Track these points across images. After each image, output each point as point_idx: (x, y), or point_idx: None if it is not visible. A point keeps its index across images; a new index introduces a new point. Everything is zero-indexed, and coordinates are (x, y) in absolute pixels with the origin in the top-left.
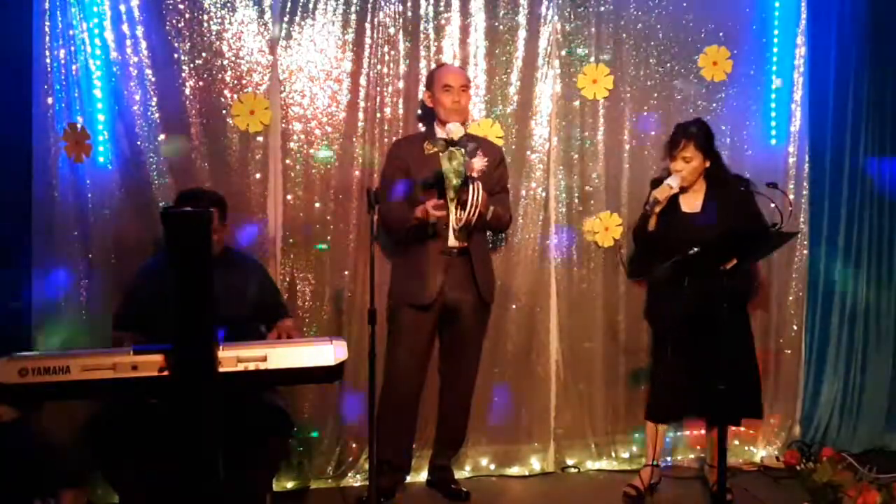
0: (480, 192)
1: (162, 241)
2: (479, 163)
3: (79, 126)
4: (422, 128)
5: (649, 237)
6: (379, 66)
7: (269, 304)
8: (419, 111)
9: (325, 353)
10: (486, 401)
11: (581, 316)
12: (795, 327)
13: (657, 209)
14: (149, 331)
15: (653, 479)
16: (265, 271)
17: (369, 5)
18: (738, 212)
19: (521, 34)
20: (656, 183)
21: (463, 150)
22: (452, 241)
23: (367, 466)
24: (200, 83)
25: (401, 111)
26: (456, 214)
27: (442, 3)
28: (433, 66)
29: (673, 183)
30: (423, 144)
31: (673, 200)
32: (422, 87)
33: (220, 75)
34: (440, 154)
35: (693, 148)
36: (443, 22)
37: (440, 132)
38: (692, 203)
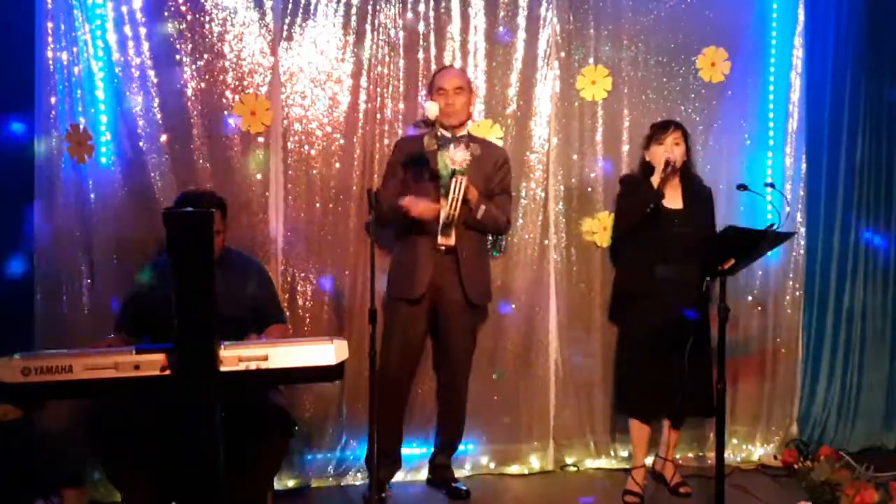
0: (462, 186)
1: (164, 242)
2: (459, 154)
3: (81, 127)
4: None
5: (647, 215)
6: (379, 68)
7: (264, 308)
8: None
9: (326, 352)
10: (485, 400)
11: (580, 315)
12: (793, 327)
13: (668, 171)
14: (151, 331)
15: (646, 480)
16: (266, 275)
17: (370, 7)
18: (706, 212)
19: (521, 35)
20: (627, 179)
21: (447, 142)
22: (442, 239)
23: (367, 464)
24: (202, 84)
25: (401, 112)
26: (444, 212)
27: (442, 5)
28: (433, 67)
29: (671, 157)
30: (423, 142)
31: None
32: (422, 91)
33: (221, 76)
34: (438, 152)
35: (681, 136)
36: (443, 23)
37: (441, 132)
38: (674, 200)
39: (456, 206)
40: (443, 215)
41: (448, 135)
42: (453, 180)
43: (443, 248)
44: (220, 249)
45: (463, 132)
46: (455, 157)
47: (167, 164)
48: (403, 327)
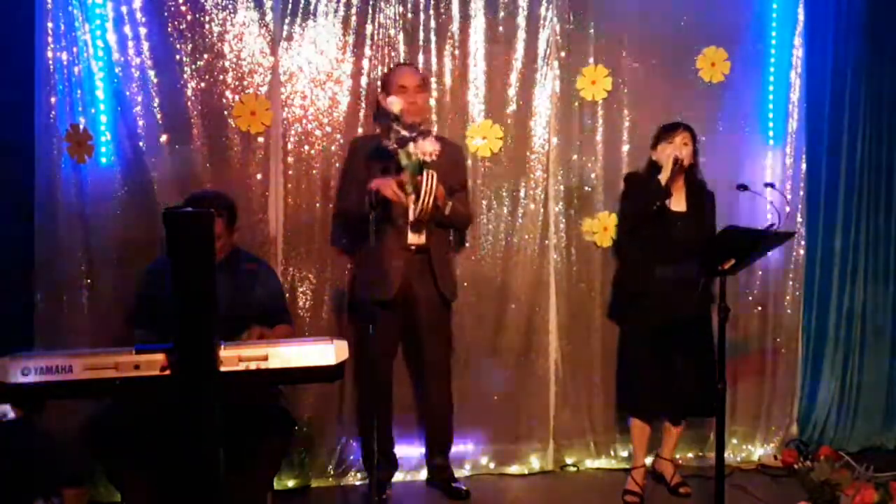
0: (434, 179)
1: (164, 242)
2: (429, 146)
3: (81, 127)
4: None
5: (654, 213)
6: (379, 68)
7: (271, 309)
8: (379, 112)
9: (326, 352)
10: (485, 400)
11: (580, 315)
12: (792, 327)
13: (676, 168)
14: (163, 329)
15: (646, 479)
16: (275, 276)
17: (370, 7)
18: (709, 217)
19: (521, 35)
20: (632, 177)
21: (413, 137)
22: (412, 238)
23: (365, 464)
24: (202, 84)
25: None
26: (414, 209)
27: (442, 5)
28: (434, 67)
29: (680, 155)
30: (381, 142)
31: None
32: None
33: (221, 76)
34: (399, 150)
35: (689, 137)
36: (443, 23)
37: (400, 130)
38: (677, 202)
39: (429, 201)
40: (414, 211)
41: (406, 133)
42: (425, 174)
43: (413, 247)
44: (226, 252)
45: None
46: (425, 149)
47: (167, 164)
48: (377, 331)
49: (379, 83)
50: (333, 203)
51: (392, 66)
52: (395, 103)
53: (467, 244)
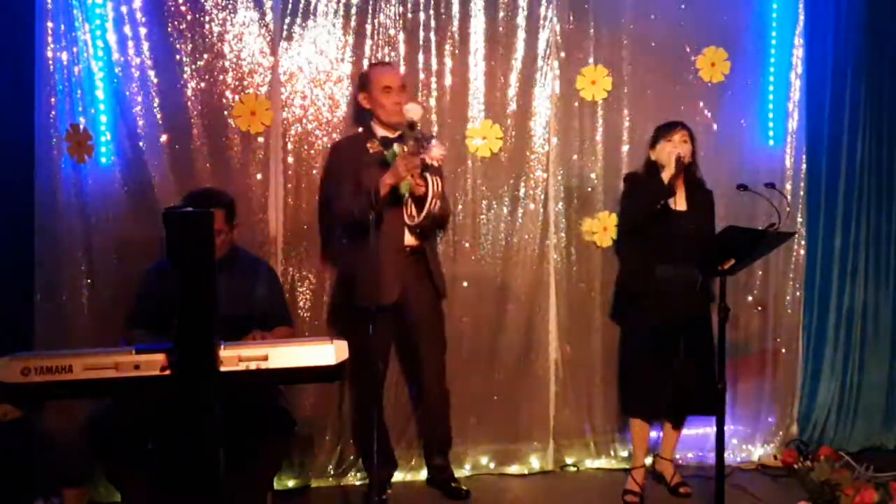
0: (439, 184)
1: (164, 242)
2: (437, 151)
3: (81, 127)
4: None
5: (657, 212)
6: None
7: (272, 310)
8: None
9: (326, 352)
10: (485, 400)
11: (580, 315)
12: (793, 327)
13: (677, 168)
14: (162, 330)
15: (646, 479)
16: (275, 277)
17: (370, 7)
18: (708, 215)
19: (521, 35)
20: (632, 177)
21: (411, 141)
22: (409, 240)
23: (364, 464)
24: (202, 84)
25: None
26: (408, 211)
27: (442, 5)
28: (434, 67)
29: (682, 153)
30: (365, 144)
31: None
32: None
33: (221, 76)
34: (384, 152)
35: (688, 135)
36: (443, 23)
37: (381, 131)
38: (678, 201)
39: (435, 204)
40: (407, 217)
41: (390, 135)
42: (430, 178)
43: (408, 248)
44: (225, 248)
45: (399, 132)
46: (433, 154)
47: (167, 164)
48: (372, 337)
49: (357, 82)
50: (332, 207)
51: (369, 64)
52: (414, 110)
53: (467, 244)
